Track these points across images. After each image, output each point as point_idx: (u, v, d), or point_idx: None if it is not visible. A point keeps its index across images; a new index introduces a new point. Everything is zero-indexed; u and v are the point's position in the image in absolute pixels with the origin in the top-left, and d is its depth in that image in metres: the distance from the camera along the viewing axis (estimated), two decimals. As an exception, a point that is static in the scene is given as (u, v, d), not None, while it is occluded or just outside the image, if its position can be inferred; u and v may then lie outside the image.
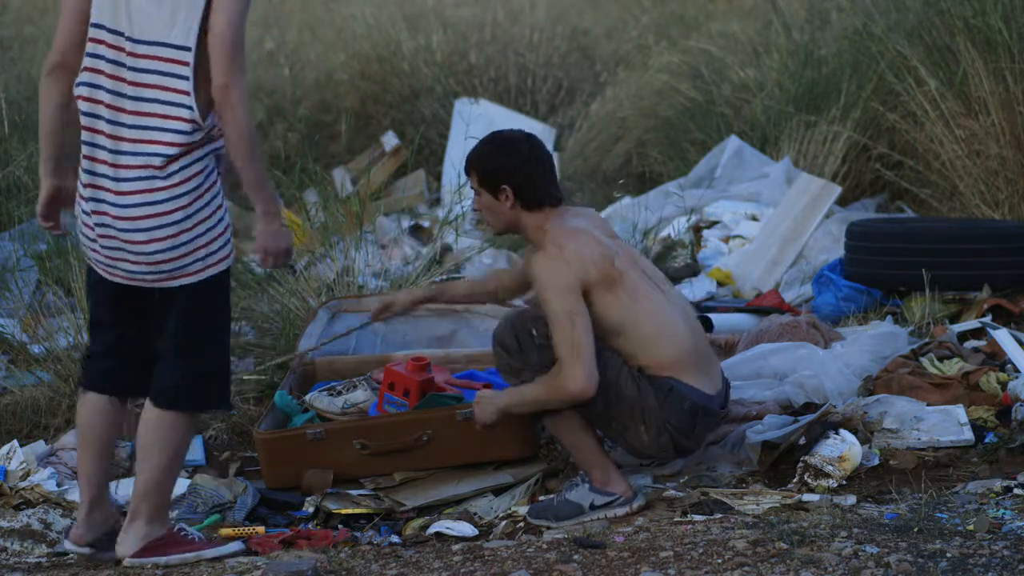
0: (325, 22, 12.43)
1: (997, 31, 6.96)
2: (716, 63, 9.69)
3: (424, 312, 5.39)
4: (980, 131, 7.01)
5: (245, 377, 5.50)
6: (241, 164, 3.75)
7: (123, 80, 3.69)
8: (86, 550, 3.95)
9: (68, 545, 3.97)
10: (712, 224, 7.63)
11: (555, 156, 10.11)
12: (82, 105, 3.72)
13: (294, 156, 8.77)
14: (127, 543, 3.88)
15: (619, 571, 3.59)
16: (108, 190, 3.71)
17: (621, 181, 8.90)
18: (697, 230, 7.56)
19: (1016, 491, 4.08)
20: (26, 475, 4.54)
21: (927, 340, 5.27)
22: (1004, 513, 3.85)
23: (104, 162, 3.71)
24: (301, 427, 4.57)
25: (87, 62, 3.71)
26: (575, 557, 3.70)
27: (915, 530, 3.71)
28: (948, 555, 3.52)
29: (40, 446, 4.87)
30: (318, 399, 4.75)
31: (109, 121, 3.71)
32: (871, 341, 5.19)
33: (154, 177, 3.69)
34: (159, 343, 3.83)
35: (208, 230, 3.78)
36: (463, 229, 7.51)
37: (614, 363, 4.07)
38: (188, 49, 3.66)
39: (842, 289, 5.99)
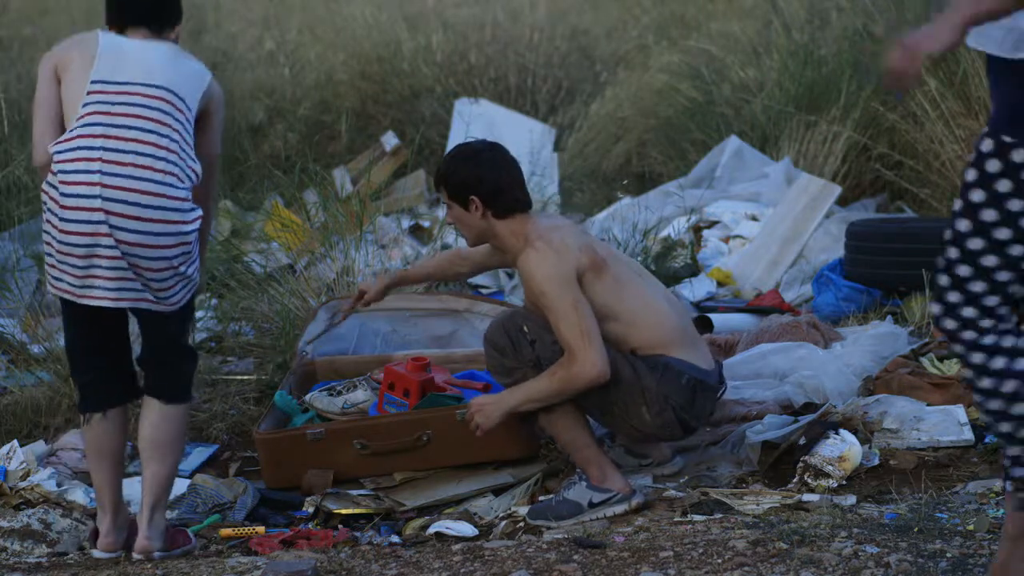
0: (325, 22, 12.42)
1: (997, 31, 6.96)
2: (716, 63, 9.69)
3: (424, 312, 5.39)
4: (980, 131, 7.00)
5: (245, 377, 5.51)
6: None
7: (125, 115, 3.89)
8: (117, 555, 4.04)
9: (100, 554, 4.04)
10: (712, 224, 7.63)
11: (555, 156, 10.16)
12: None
13: (294, 156, 8.76)
14: (155, 539, 3.99)
15: (619, 571, 3.59)
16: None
17: (625, 182, 8.90)
18: (697, 230, 7.55)
19: (1016, 491, 4.07)
20: (26, 475, 4.54)
21: (927, 340, 5.27)
22: (1004, 513, 3.84)
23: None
24: (301, 427, 4.57)
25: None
26: (575, 557, 3.70)
27: (915, 530, 3.71)
28: (948, 555, 3.52)
29: (40, 446, 4.87)
30: (318, 399, 4.75)
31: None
32: (871, 341, 5.19)
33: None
34: (155, 345, 4.00)
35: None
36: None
37: (607, 350, 4.08)
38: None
39: (842, 289, 5.99)
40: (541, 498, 4.31)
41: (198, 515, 4.40)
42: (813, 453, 4.28)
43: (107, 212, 3.77)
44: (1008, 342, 2.83)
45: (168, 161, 3.83)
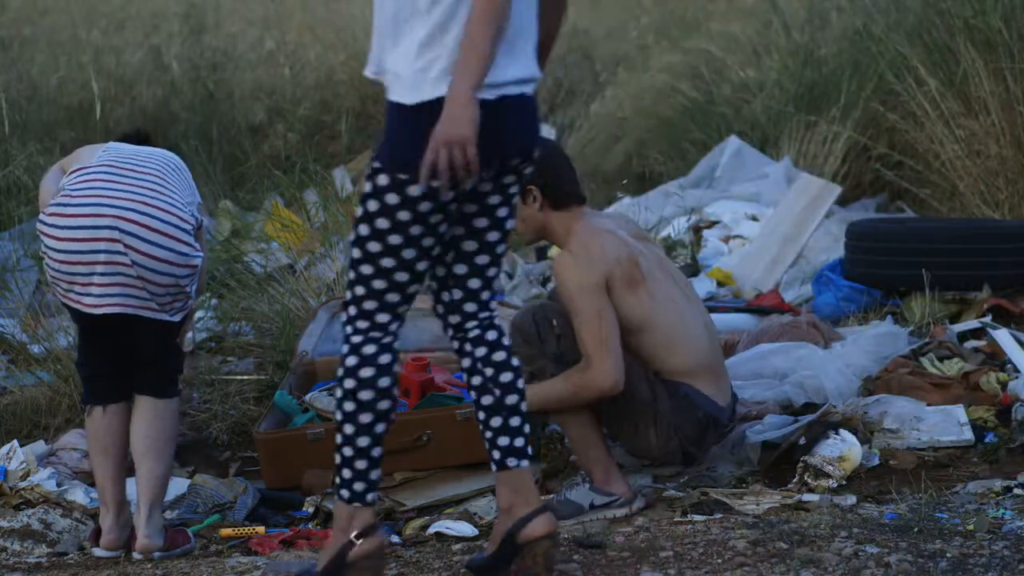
0: (325, 22, 12.43)
1: (997, 31, 6.97)
2: (716, 63, 9.69)
3: (424, 312, 5.38)
4: (980, 131, 7.01)
5: (245, 377, 5.51)
6: None
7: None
8: (118, 553, 4.04)
9: (101, 552, 4.05)
10: (712, 224, 7.63)
11: (555, 156, 10.13)
12: None
13: (294, 156, 8.77)
14: (155, 537, 4.01)
15: (619, 571, 3.58)
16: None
17: (624, 182, 8.90)
18: (697, 230, 7.56)
19: (1016, 491, 4.08)
20: (26, 475, 4.54)
21: (927, 340, 5.27)
22: (1004, 513, 3.85)
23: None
24: (301, 427, 4.57)
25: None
26: (575, 557, 3.69)
27: (915, 530, 3.71)
28: (948, 555, 3.52)
29: (40, 446, 4.87)
30: (318, 399, 4.75)
31: None
32: (871, 341, 5.19)
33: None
34: (147, 345, 4.05)
35: None
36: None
37: (630, 363, 4.07)
38: None
39: (842, 289, 5.99)
40: (542, 498, 4.31)
41: (198, 515, 4.40)
42: (813, 453, 4.28)
43: (117, 217, 3.86)
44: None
45: (173, 195, 3.99)
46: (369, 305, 3.24)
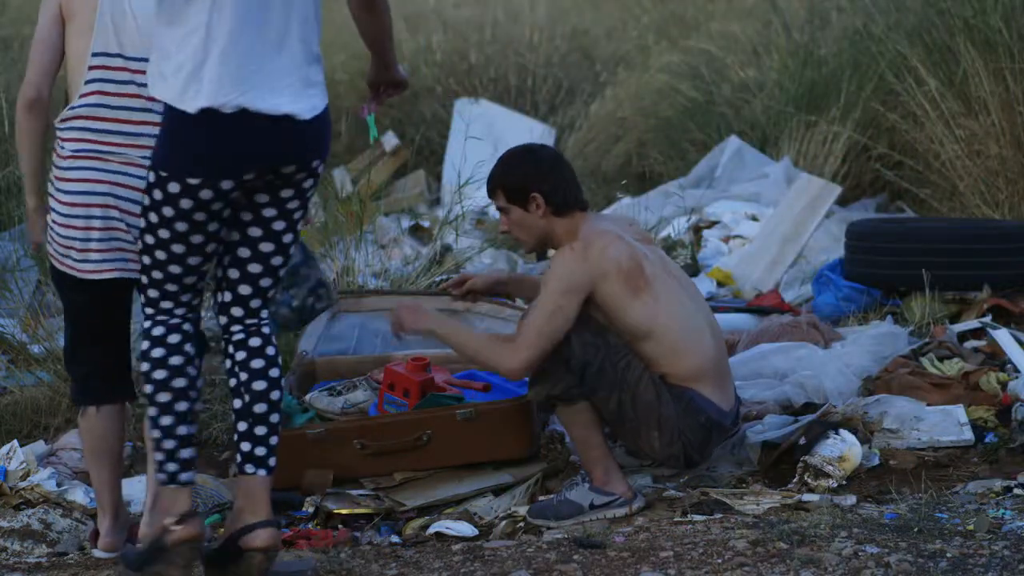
0: (325, 22, 12.38)
1: (997, 31, 6.97)
2: (716, 63, 9.69)
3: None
4: (980, 131, 7.01)
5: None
6: None
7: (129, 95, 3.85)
8: (117, 555, 4.00)
9: (100, 554, 4.02)
10: (712, 224, 7.63)
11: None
12: (89, 123, 3.84)
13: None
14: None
15: (619, 571, 3.59)
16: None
17: (624, 182, 8.91)
18: (697, 230, 7.56)
19: (1016, 491, 4.08)
20: (26, 475, 4.54)
21: (927, 340, 5.27)
22: (1004, 513, 3.85)
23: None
24: (301, 427, 4.57)
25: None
26: (575, 557, 3.70)
27: (915, 530, 3.71)
28: (948, 555, 3.52)
29: (40, 446, 4.87)
30: (318, 399, 4.75)
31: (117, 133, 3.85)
32: (871, 341, 5.19)
33: None
34: None
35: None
36: (463, 229, 7.51)
37: (636, 366, 4.06)
38: None
39: (842, 289, 5.99)
40: (542, 498, 4.31)
41: (198, 515, 4.39)
42: (813, 453, 4.28)
43: (113, 183, 3.79)
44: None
45: None
46: (152, 293, 3.49)
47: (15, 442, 4.69)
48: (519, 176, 4.13)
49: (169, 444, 3.47)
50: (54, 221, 3.85)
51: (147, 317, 3.50)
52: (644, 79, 10.52)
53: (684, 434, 4.09)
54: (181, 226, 3.39)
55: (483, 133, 8.70)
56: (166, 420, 3.46)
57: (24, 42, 11.30)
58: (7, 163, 6.86)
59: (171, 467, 3.47)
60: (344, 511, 4.35)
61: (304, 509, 4.41)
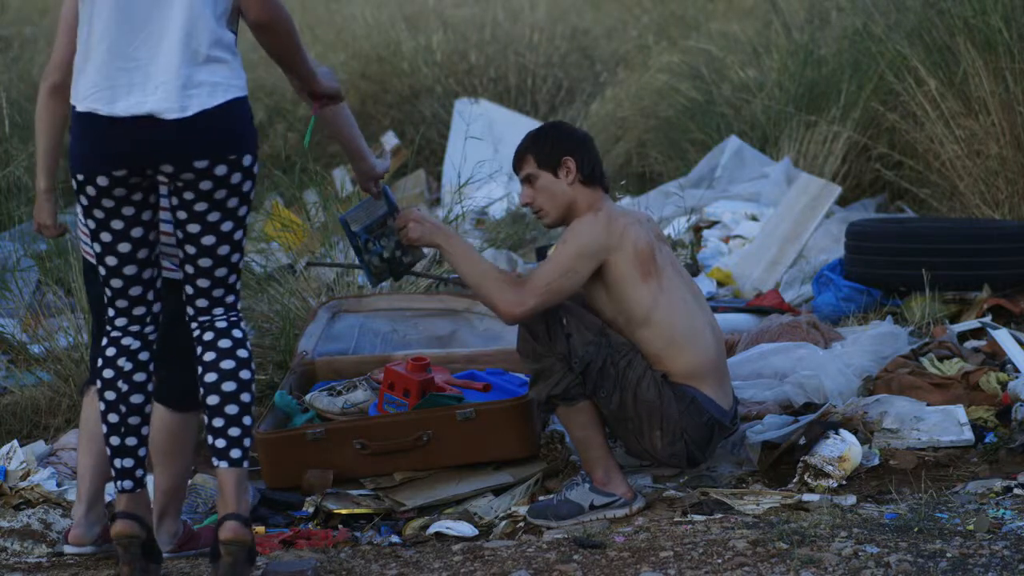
0: (325, 22, 12.44)
1: (997, 31, 6.97)
2: (716, 63, 9.70)
3: (424, 312, 5.39)
4: (980, 131, 7.01)
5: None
6: None
7: None
8: (88, 549, 3.97)
9: (69, 548, 3.99)
10: (712, 224, 7.63)
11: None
12: None
13: (294, 156, 8.77)
14: (161, 541, 3.94)
15: (619, 571, 3.59)
16: None
17: (624, 182, 8.91)
18: (697, 230, 7.56)
19: (1016, 491, 4.08)
20: (26, 475, 4.54)
21: (927, 340, 5.27)
22: (1004, 513, 3.85)
23: None
24: (301, 427, 4.57)
25: None
26: (575, 557, 3.70)
27: (915, 530, 3.72)
28: (948, 555, 3.52)
29: (40, 446, 4.87)
30: (318, 399, 4.75)
31: None
32: (871, 341, 5.19)
33: None
34: (167, 335, 3.83)
35: None
36: (463, 229, 7.52)
37: (637, 365, 4.06)
38: None
39: (842, 289, 5.99)
40: (542, 498, 4.31)
41: (198, 515, 4.40)
42: (813, 453, 4.28)
43: None
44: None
45: None
46: (109, 311, 3.60)
47: (15, 442, 4.69)
48: (552, 141, 4.17)
49: (107, 451, 3.58)
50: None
51: (103, 334, 3.61)
52: (644, 79, 10.52)
53: (686, 433, 4.09)
54: (106, 236, 3.49)
55: (483, 133, 8.70)
56: (103, 428, 3.57)
57: (24, 42, 11.32)
58: (7, 163, 6.87)
59: (112, 472, 3.59)
60: (344, 511, 4.35)
61: (304, 509, 4.41)
